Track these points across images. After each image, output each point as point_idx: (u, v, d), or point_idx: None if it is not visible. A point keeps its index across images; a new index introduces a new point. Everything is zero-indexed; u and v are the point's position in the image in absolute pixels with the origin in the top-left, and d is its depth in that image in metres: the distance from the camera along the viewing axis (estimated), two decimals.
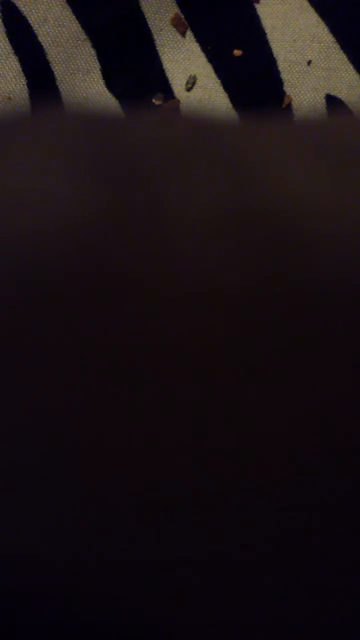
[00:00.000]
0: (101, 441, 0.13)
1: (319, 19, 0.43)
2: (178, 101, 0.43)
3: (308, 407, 0.13)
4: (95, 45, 0.43)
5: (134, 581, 0.14)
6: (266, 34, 0.43)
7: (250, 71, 0.43)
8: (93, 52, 0.43)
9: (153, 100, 0.43)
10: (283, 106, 0.43)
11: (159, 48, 0.43)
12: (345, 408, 0.13)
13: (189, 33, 0.43)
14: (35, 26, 0.43)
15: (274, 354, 0.13)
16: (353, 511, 0.13)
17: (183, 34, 0.43)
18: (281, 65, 0.43)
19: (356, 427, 0.13)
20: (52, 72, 0.43)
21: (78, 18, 0.43)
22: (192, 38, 0.43)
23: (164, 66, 0.43)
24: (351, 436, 0.13)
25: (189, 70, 0.43)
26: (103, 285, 0.13)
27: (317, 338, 0.13)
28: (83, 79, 0.43)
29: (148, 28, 0.43)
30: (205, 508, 0.13)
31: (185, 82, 0.43)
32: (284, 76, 0.43)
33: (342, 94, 0.43)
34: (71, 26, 0.43)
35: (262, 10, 0.43)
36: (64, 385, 0.13)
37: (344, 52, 0.43)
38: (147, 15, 0.43)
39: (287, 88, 0.43)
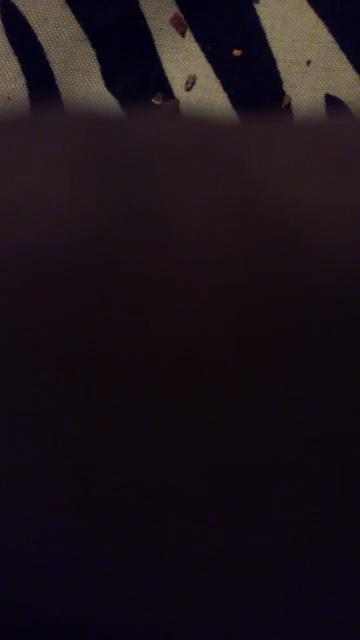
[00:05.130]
0: (100, 440, 0.13)
1: (318, 19, 0.43)
2: (178, 101, 0.43)
3: (308, 411, 0.13)
4: (95, 45, 0.43)
5: (134, 582, 0.14)
6: (265, 34, 0.43)
7: (249, 71, 0.43)
8: (92, 52, 0.43)
9: (153, 100, 0.43)
10: (282, 106, 0.43)
11: (159, 48, 0.43)
12: (345, 410, 0.13)
13: (189, 33, 0.43)
14: (35, 26, 0.43)
15: (272, 355, 0.13)
16: (354, 510, 0.13)
17: (183, 34, 0.43)
18: (280, 65, 0.43)
19: (355, 429, 0.13)
20: (52, 72, 0.43)
21: (78, 18, 0.43)
22: (192, 38, 0.43)
23: (163, 66, 0.43)
24: (352, 439, 0.13)
25: (188, 70, 0.43)
26: (103, 287, 0.13)
27: (316, 340, 0.13)
28: (82, 79, 0.43)
29: (148, 28, 0.43)
30: (205, 508, 0.13)
31: (185, 82, 0.43)
32: (283, 76, 0.43)
33: (341, 94, 0.43)
34: (71, 26, 0.43)
35: (261, 10, 0.43)
36: (63, 387, 0.13)
37: (343, 52, 0.43)
38: (147, 15, 0.43)
39: (286, 88, 0.43)
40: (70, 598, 0.14)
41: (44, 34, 0.43)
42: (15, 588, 0.14)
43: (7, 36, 0.43)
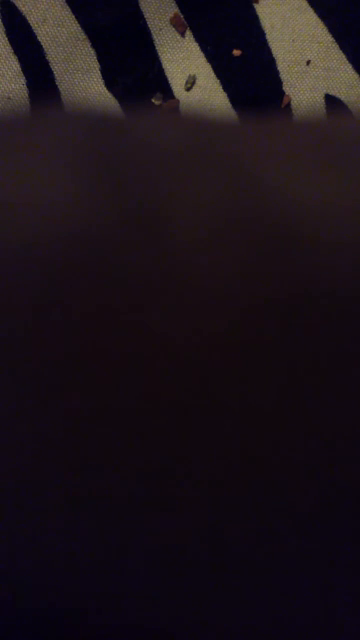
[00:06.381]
0: (101, 440, 0.13)
1: (318, 19, 0.43)
2: (177, 101, 0.43)
3: (307, 410, 0.13)
4: (94, 45, 0.43)
5: (132, 582, 0.14)
6: (265, 34, 0.43)
7: (249, 71, 0.43)
8: (92, 52, 0.43)
9: (152, 100, 0.43)
10: (282, 106, 0.43)
11: (158, 48, 0.43)
12: (345, 410, 0.13)
13: (188, 33, 0.43)
14: (35, 26, 0.43)
15: (274, 355, 0.13)
16: (354, 512, 0.13)
17: (182, 34, 0.43)
18: (280, 65, 0.43)
19: (356, 431, 0.13)
20: (51, 72, 0.43)
21: (77, 18, 0.43)
22: (191, 38, 0.43)
23: (163, 66, 0.43)
24: (351, 439, 0.13)
25: (188, 70, 0.43)
26: (105, 287, 0.13)
27: (318, 340, 0.13)
28: (82, 79, 0.43)
29: (147, 28, 0.43)
30: (205, 508, 0.13)
31: (184, 82, 0.43)
32: (283, 76, 0.43)
33: (341, 94, 0.43)
34: (70, 26, 0.43)
35: (261, 10, 0.43)
36: (65, 386, 0.13)
37: (343, 52, 0.43)
38: (146, 15, 0.43)
39: (286, 88, 0.43)
40: (69, 597, 0.14)
41: (44, 34, 0.43)
42: (14, 587, 0.14)
43: (7, 36, 0.43)
